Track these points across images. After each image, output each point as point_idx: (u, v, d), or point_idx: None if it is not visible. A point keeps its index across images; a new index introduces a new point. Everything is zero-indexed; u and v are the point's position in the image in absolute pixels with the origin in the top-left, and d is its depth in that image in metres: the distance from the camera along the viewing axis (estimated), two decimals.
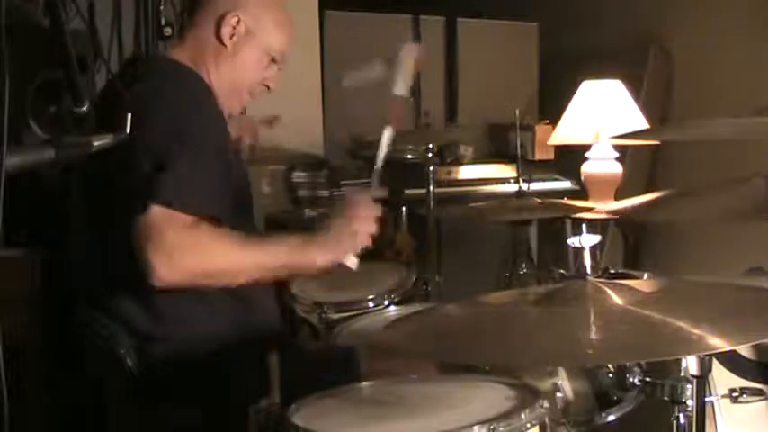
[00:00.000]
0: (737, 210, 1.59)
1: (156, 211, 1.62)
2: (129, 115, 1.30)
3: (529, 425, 1.31)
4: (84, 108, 1.27)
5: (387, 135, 1.98)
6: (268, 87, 2.03)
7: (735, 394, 1.75)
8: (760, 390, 1.77)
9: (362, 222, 1.84)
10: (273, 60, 1.99)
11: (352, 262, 1.82)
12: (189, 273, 1.64)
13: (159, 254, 1.60)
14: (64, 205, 2.05)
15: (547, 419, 1.35)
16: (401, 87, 2.00)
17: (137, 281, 1.65)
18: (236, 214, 1.80)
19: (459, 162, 3.87)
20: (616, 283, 1.38)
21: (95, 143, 1.26)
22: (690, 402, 1.47)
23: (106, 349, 1.81)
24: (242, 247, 1.72)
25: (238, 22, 1.91)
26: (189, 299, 1.77)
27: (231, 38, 1.92)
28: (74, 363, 2.20)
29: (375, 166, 2.00)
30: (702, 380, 1.36)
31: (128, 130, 1.31)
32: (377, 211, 1.87)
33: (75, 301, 1.95)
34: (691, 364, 1.36)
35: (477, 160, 3.93)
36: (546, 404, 1.35)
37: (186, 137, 1.71)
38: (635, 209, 1.77)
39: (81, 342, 1.92)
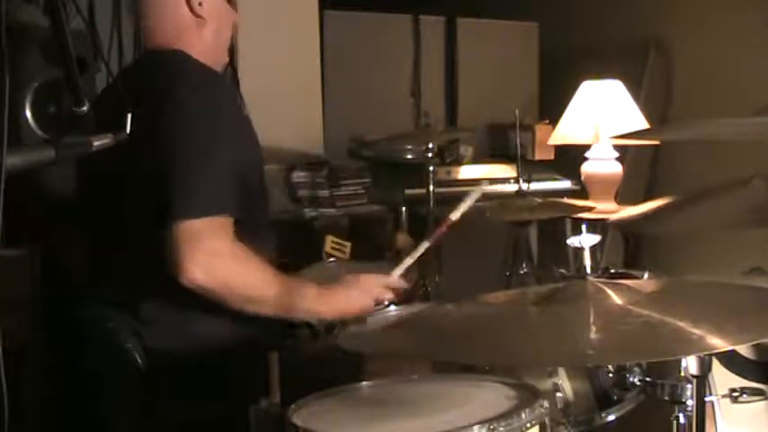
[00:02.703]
0: (738, 215, 1.58)
1: (195, 221, 1.66)
2: (129, 116, 1.31)
3: (529, 425, 1.31)
4: (84, 108, 1.27)
5: (423, 247, 2.04)
6: (235, 27, 2.10)
7: (735, 394, 1.75)
8: (760, 390, 1.77)
9: (371, 300, 1.91)
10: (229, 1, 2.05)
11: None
12: (219, 281, 1.69)
13: (196, 256, 1.64)
14: (64, 204, 2.04)
15: (547, 419, 1.35)
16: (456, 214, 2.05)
17: (142, 278, 1.64)
18: (252, 207, 1.85)
19: (459, 162, 3.86)
20: (616, 283, 1.38)
21: (95, 143, 1.27)
22: (690, 402, 1.46)
23: (111, 343, 1.81)
24: (273, 280, 1.77)
25: None
26: (190, 298, 1.77)
27: (200, 5, 1.95)
28: (74, 362, 2.20)
29: (406, 260, 2.03)
30: (702, 380, 1.36)
31: (127, 130, 1.31)
32: (389, 295, 1.94)
33: (75, 298, 1.95)
34: (691, 364, 1.36)
35: (477, 160, 3.93)
36: (546, 404, 1.35)
37: (211, 141, 1.75)
38: (636, 219, 1.76)
39: (83, 338, 1.92)
